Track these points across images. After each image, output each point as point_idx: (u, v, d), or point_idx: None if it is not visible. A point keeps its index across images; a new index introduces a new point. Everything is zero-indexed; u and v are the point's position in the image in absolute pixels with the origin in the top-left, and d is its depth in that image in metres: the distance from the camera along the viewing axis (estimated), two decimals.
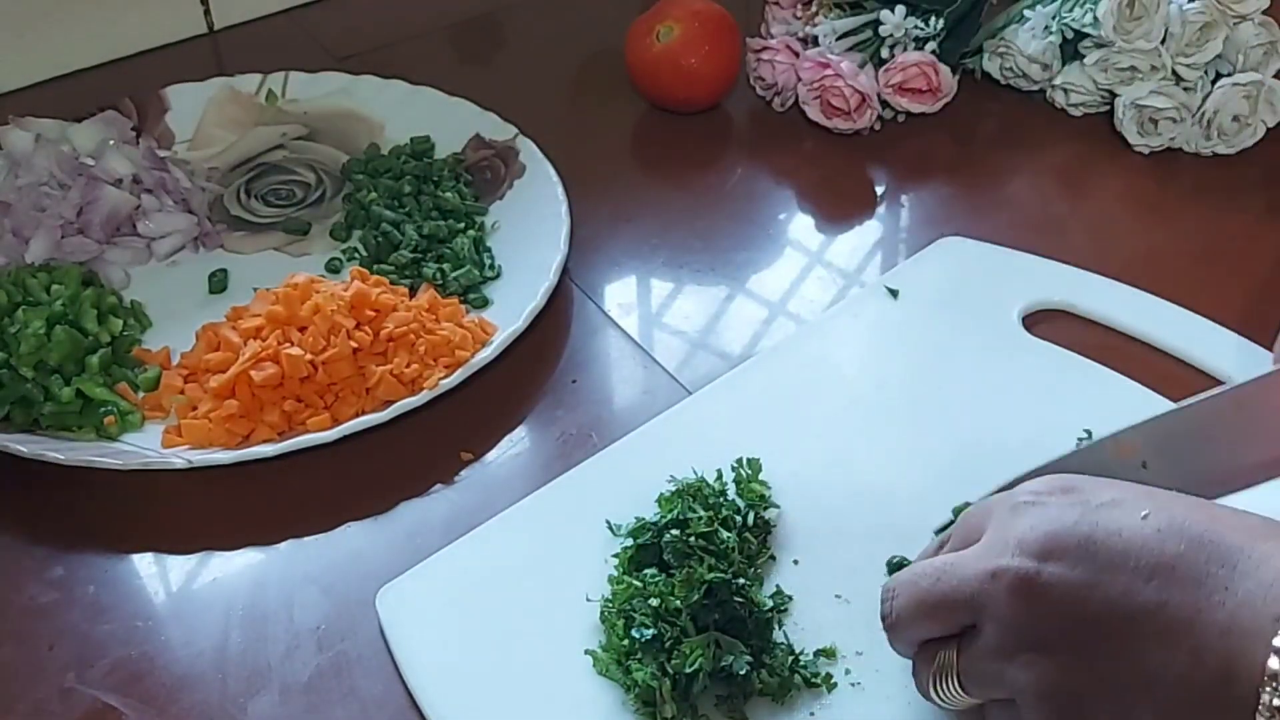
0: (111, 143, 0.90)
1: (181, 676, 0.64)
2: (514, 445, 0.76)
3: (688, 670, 0.59)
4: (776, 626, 0.63)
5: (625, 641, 0.61)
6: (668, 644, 0.60)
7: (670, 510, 0.65)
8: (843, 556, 0.67)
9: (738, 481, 0.69)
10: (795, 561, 0.67)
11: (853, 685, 0.61)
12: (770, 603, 0.63)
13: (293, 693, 0.63)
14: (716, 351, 0.81)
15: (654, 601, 0.61)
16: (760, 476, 0.69)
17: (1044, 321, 0.80)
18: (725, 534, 0.64)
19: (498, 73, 1.09)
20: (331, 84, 1.00)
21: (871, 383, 0.76)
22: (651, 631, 0.60)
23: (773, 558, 0.67)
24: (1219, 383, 0.75)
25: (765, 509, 0.68)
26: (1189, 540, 0.46)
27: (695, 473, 0.69)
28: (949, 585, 0.51)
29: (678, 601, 0.60)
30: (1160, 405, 0.72)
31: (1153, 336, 0.78)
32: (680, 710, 0.59)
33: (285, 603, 0.67)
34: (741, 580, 0.62)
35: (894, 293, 0.82)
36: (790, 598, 0.64)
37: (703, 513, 0.65)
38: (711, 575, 0.61)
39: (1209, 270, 0.86)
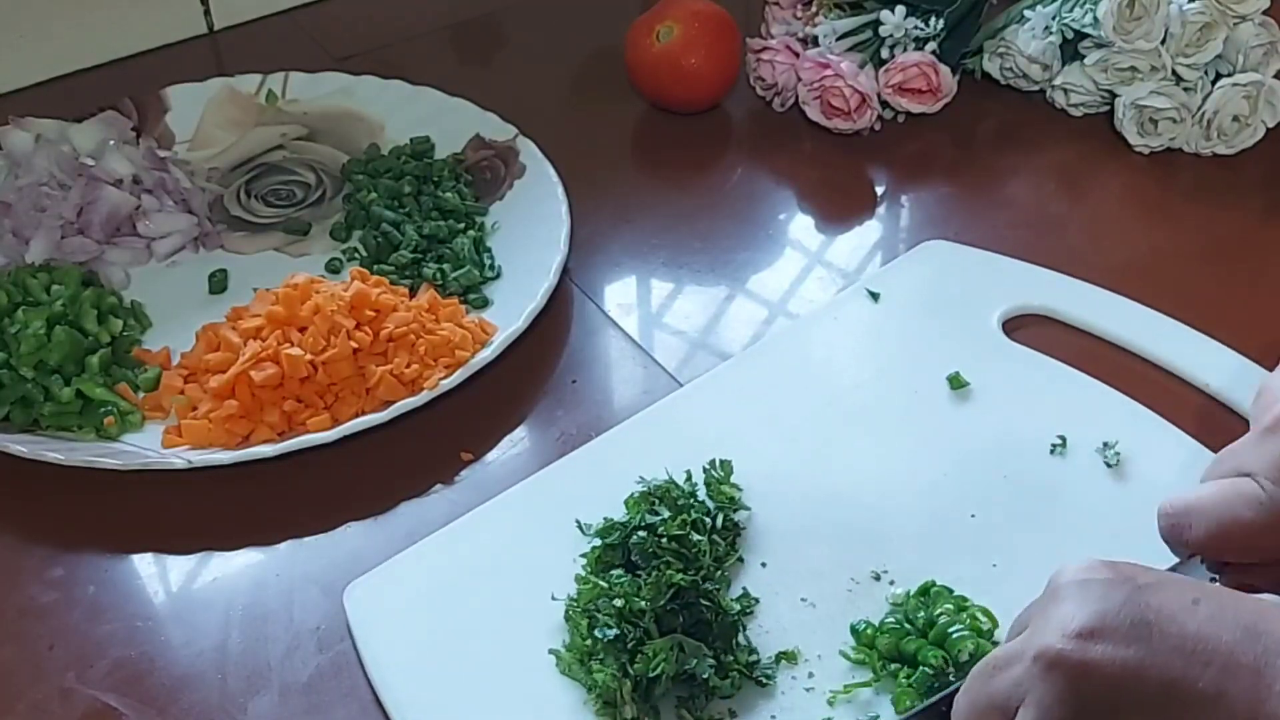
0: (111, 143, 0.90)
1: (181, 676, 0.64)
2: (514, 445, 0.76)
3: (651, 673, 0.59)
4: (741, 630, 0.62)
5: (588, 641, 0.61)
6: (630, 645, 0.60)
7: (636, 513, 0.65)
8: (810, 560, 0.66)
9: (708, 484, 0.69)
10: (763, 564, 0.66)
11: (806, 691, 0.61)
12: (737, 606, 0.63)
13: (293, 692, 0.63)
14: (716, 351, 0.81)
15: (618, 602, 0.61)
16: (732, 478, 0.69)
17: (1025, 327, 0.80)
18: (697, 537, 0.64)
19: (498, 73, 1.09)
20: (331, 84, 1.00)
21: (847, 385, 0.76)
22: (614, 632, 0.60)
23: (741, 559, 0.66)
24: (1200, 392, 0.75)
25: (735, 511, 0.68)
26: (1242, 629, 0.45)
27: (666, 473, 0.69)
28: (998, 681, 0.48)
29: (643, 603, 0.60)
30: (1137, 412, 0.73)
31: (1134, 343, 0.78)
32: (641, 711, 0.59)
33: (285, 603, 0.67)
34: (710, 584, 0.62)
35: (875, 295, 0.82)
36: (757, 600, 0.64)
37: (667, 514, 0.65)
38: (680, 578, 0.61)
39: (1209, 270, 0.86)
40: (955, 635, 0.60)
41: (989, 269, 0.84)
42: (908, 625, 0.62)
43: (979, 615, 0.61)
